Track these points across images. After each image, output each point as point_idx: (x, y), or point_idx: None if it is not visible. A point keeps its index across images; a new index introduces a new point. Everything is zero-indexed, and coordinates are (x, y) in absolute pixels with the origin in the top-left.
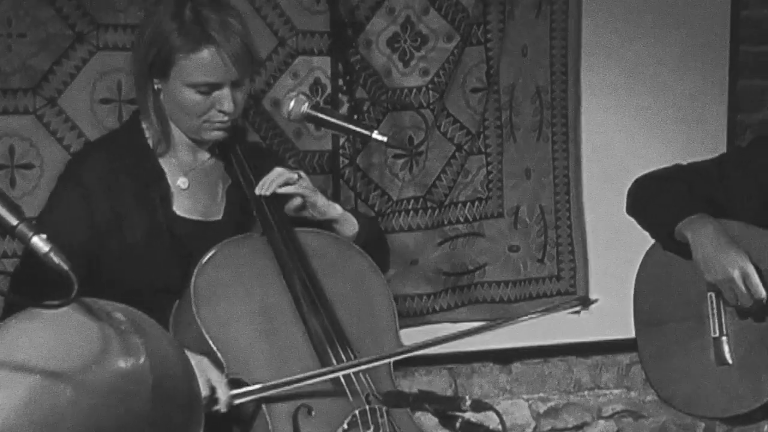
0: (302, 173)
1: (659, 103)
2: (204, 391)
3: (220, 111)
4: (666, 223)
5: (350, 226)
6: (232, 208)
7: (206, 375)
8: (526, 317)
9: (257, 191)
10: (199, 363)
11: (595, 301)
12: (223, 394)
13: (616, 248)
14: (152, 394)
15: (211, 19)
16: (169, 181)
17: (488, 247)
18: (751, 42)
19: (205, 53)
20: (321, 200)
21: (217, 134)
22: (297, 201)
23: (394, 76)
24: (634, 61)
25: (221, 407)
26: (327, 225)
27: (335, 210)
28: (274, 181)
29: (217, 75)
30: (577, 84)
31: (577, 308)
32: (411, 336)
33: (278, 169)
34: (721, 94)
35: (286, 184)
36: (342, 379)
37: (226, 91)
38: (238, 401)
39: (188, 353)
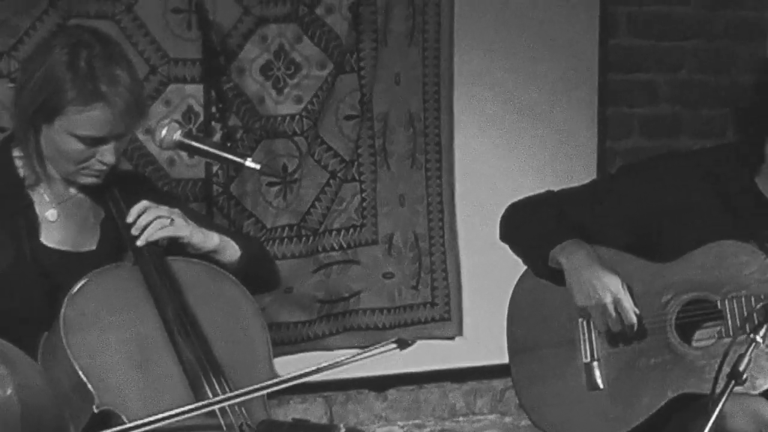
0: (176, 212)
1: (531, 129)
2: None
3: (101, 161)
4: (539, 249)
5: (231, 252)
6: (107, 239)
7: None
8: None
9: (133, 231)
10: None
11: (413, 343)
12: None
13: (489, 274)
14: (21, 424)
15: (105, 74)
16: (38, 212)
17: (363, 274)
18: (619, 70)
19: (97, 110)
20: (197, 236)
21: (93, 180)
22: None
23: (267, 104)
24: (506, 88)
25: None
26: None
27: (212, 241)
28: (149, 228)
29: (104, 131)
30: (450, 111)
31: (395, 348)
32: (286, 364)
33: (150, 211)
34: (591, 121)
35: (161, 227)
36: (216, 410)
37: (110, 145)
38: None
39: None
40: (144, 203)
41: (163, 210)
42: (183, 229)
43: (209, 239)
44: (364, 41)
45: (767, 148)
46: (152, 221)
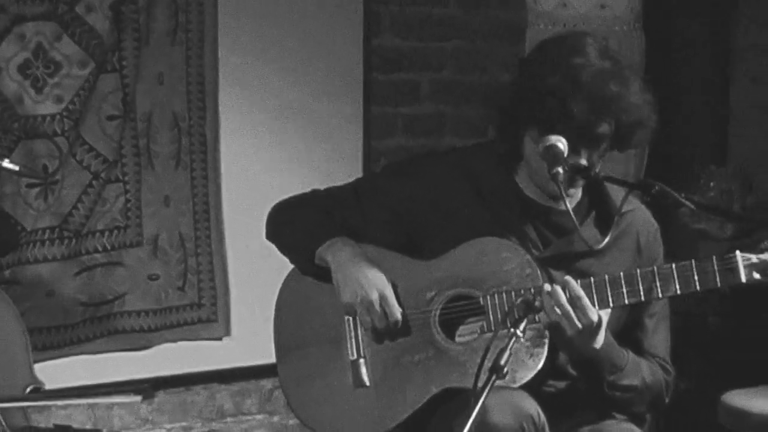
0: None
1: (298, 129)
2: None
3: None
4: (305, 247)
5: None
6: None
7: None
8: (81, 400)
9: None
10: None
11: (155, 395)
12: None
13: (256, 274)
14: None
15: None
16: None
17: (128, 276)
18: (382, 70)
19: None
20: None
21: None
22: None
23: (26, 104)
24: (271, 87)
25: None
26: None
27: None
28: None
29: None
30: (215, 111)
31: (137, 398)
32: (47, 369)
33: None
34: (356, 120)
35: None
36: None
37: None
38: None
39: None
40: None
41: None
42: None
43: None
44: (126, 40)
45: (524, 147)
46: None
